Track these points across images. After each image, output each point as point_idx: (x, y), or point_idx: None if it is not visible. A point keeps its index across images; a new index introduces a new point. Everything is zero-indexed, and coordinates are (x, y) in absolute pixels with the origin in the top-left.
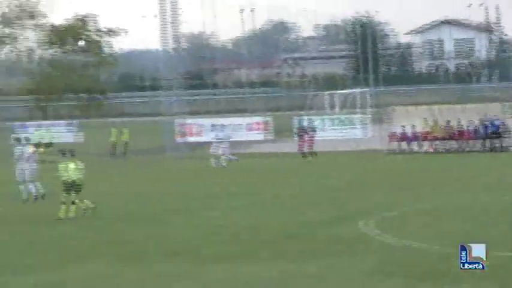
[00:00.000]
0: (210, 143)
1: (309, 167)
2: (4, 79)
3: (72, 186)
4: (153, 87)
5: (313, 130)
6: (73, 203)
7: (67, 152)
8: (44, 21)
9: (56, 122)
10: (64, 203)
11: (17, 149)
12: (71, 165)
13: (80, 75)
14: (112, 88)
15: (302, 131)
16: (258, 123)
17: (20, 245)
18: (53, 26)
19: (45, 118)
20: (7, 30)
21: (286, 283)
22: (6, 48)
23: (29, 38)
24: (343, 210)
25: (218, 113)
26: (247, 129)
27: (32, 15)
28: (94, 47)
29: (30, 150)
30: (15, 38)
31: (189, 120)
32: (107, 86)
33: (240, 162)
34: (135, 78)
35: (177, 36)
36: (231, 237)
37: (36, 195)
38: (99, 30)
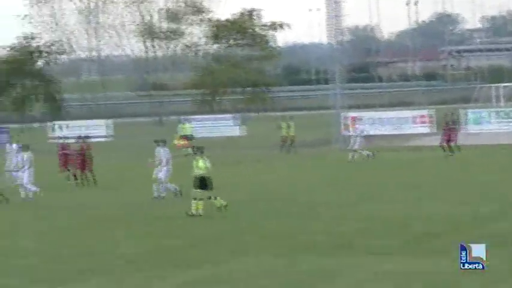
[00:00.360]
0: (372, 135)
1: (465, 160)
2: (170, 74)
3: (201, 182)
4: (317, 81)
5: (458, 124)
6: (209, 198)
7: (197, 149)
8: (209, 16)
9: (222, 116)
10: (195, 199)
11: (157, 151)
12: (200, 162)
13: (245, 69)
14: (275, 81)
15: (448, 125)
16: (423, 116)
17: (176, 241)
18: (218, 20)
19: (210, 112)
20: (173, 26)
21: (441, 280)
22: (173, 44)
23: (195, 33)
24: (498, 205)
25: (382, 106)
26: (412, 122)
27: (198, 11)
28: (259, 41)
29: (168, 152)
30: (181, 33)
31: (353, 113)
32: (271, 80)
33: (401, 154)
34: (299, 71)
35: (341, 29)
36: (384, 230)
37: (176, 193)
38: (264, 25)
